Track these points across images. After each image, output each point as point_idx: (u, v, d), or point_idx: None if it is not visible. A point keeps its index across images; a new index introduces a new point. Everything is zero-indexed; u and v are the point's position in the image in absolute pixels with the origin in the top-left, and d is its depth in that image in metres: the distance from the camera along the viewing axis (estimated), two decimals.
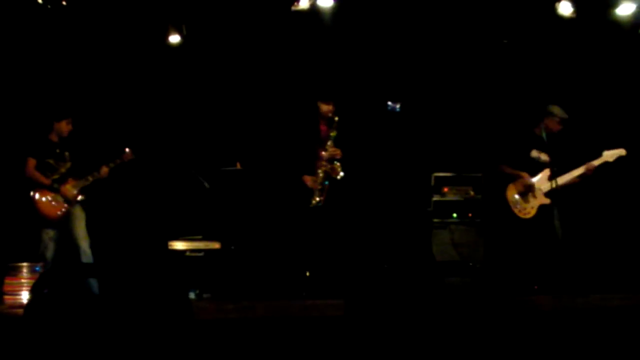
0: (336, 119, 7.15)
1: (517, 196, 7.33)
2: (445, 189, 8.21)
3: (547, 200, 7.24)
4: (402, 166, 8.46)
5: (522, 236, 7.29)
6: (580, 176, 7.23)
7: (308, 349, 4.99)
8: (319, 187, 7.13)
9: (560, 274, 6.85)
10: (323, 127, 7.24)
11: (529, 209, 7.30)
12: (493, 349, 4.71)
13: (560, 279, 6.75)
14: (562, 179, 7.15)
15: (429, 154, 8.49)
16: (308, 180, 7.12)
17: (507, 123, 7.90)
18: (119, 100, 8.06)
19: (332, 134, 7.16)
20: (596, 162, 7.20)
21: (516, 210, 7.33)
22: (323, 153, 7.15)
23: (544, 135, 7.04)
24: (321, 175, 7.15)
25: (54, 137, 6.95)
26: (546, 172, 7.24)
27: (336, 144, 7.18)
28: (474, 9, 7.95)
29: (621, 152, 7.18)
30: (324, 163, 7.16)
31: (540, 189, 7.27)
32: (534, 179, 7.30)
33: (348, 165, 7.22)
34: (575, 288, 6.65)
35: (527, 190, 7.30)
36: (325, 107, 7.18)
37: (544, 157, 7.29)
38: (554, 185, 6.93)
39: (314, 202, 7.12)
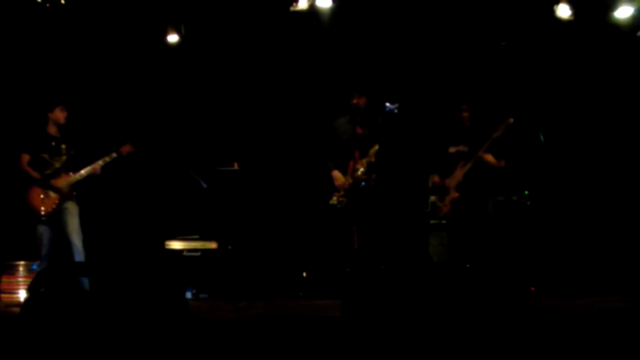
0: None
1: (433, 197, 7.39)
2: None
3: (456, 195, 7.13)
4: (399, 167, 8.46)
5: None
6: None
7: (305, 349, 4.99)
8: (348, 187, 6.86)
9: (557, 275, 6.85)
10: (357, 127, 6.98)
11: (442, 207, 7.24)
12: (489, 350, 4.71)
13: (557, 281, 6.75)
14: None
15: (426, 156, 8.49)
16: (338, 177, 6.88)
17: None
18: (118, 99, 8.07)
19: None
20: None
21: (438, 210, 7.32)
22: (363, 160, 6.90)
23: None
24: (354, 179, 6.89)
25: (51, 130, 6.86)
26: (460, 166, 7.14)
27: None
28: (473, 10, 7.96)
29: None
30: (363, 168, 6.90)
31: (451, 184, 7.17)
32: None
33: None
34: (573, 290, 6.64)
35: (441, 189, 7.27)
36: (355, 100, 6.93)
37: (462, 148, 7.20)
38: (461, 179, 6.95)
39: (334, 201, 6.88)
